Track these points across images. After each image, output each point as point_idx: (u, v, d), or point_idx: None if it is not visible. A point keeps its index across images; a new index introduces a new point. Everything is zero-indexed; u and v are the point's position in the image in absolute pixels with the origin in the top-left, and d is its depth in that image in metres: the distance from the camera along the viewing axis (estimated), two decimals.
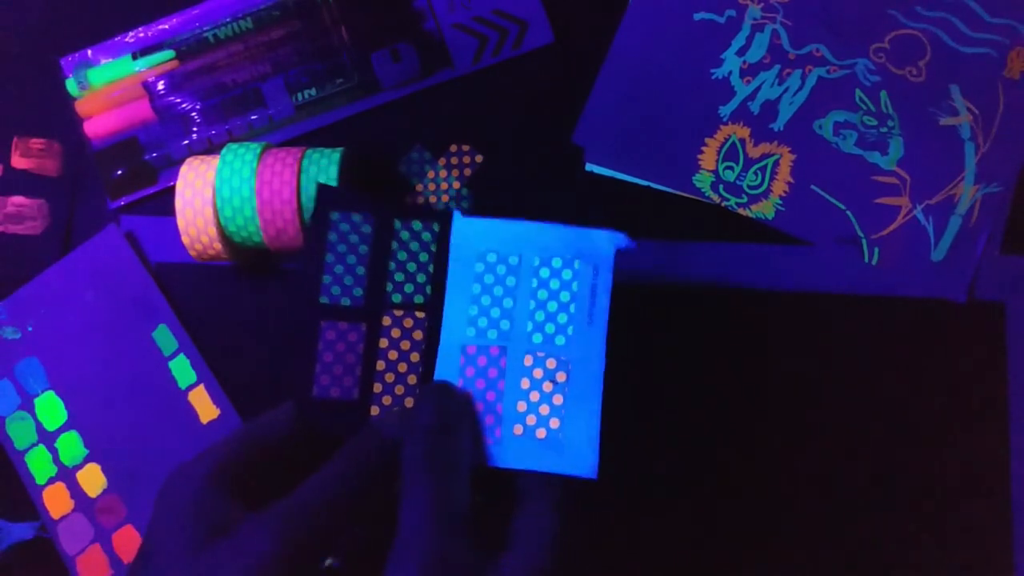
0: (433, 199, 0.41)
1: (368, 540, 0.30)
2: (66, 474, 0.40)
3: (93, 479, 0.40)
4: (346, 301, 0.31)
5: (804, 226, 0.40)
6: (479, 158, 0.41)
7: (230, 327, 0.40)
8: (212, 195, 0.37)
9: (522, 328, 0.30)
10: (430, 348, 0.31)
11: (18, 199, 0.42)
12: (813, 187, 0.40)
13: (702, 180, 0.40)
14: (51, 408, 0.40)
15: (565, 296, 0.30)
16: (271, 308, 0.40)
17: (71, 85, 0.41)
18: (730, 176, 0.40)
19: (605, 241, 0.30)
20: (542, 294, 0.30)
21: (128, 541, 0.39)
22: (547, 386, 0.30)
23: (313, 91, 0.41)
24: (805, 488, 0.39)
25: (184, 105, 0.41)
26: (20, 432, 0.40)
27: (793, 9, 0.41)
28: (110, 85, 0.41)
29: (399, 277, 0.31)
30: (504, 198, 0.41)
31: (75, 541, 0.39)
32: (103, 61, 0.42)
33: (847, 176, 0.40)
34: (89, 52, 0.42)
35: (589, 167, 0.41)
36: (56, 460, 0.40)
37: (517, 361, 0.30)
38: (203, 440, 0.40)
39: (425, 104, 0.41)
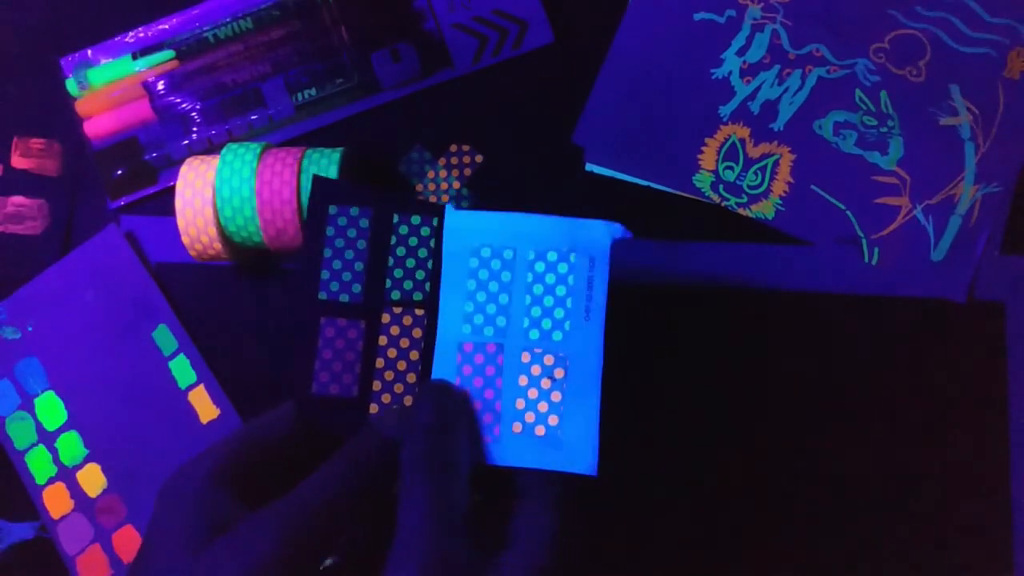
0: (433, 199, 0.41)
1: (368, 540, 0.30)
2: (66, 474, 0.40)
3: (93, 479, 0.40)
4: (345, 298, 0.31)
5: (804, 226, 0.40)
6: (479, 158, 0.41)
7: (230, 327, 0.40)
8: (212, 195, 0.37)
9: (518, 324, 0.30)
10: (429, 346, 0.30)
11: (18, 199, 0.42)
12: (813, 187, 0.40)
13: (702, 180, 0.40)
14: (51, 408, 0.40)
15: (561, 291, 0.30)
16: (271, 308, 0.40)
17: (71, 85, 0.41)
18: (730, 176, 0.40)
19: (601, 231, 0.30)
20: (538, 289, 0.30)
21: (128, 541, 0.39)
22: (545, 383, 0.29)
23: (313, 91, 0.41)
24: (805, 488, 0.39)
25: (184, 105, 0.41)
26: (20, 432, 0.40)
27: (793, 9, 0.41)
28: (110, 85, 0.41)
29: (398, 274, 0.31)
30: (504, 198, 0.41)
31: (75, 541, 0.39)
32: (103, 61, 0.42)
33: (847, 176, 0.40)
34: (89, 52, 0.42)
35: (589, 167, 0.41)
36: (56, 460, 0.40)
37: (514, 358, 0.29)
38: (203, 440, 0.40)
39: (425, 104, 0.41)
